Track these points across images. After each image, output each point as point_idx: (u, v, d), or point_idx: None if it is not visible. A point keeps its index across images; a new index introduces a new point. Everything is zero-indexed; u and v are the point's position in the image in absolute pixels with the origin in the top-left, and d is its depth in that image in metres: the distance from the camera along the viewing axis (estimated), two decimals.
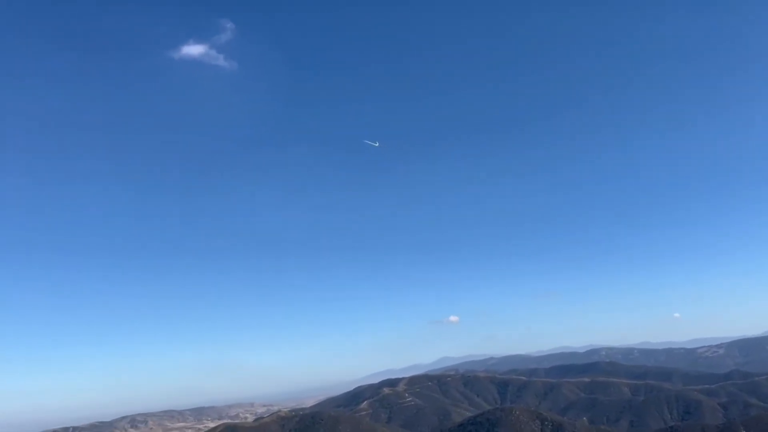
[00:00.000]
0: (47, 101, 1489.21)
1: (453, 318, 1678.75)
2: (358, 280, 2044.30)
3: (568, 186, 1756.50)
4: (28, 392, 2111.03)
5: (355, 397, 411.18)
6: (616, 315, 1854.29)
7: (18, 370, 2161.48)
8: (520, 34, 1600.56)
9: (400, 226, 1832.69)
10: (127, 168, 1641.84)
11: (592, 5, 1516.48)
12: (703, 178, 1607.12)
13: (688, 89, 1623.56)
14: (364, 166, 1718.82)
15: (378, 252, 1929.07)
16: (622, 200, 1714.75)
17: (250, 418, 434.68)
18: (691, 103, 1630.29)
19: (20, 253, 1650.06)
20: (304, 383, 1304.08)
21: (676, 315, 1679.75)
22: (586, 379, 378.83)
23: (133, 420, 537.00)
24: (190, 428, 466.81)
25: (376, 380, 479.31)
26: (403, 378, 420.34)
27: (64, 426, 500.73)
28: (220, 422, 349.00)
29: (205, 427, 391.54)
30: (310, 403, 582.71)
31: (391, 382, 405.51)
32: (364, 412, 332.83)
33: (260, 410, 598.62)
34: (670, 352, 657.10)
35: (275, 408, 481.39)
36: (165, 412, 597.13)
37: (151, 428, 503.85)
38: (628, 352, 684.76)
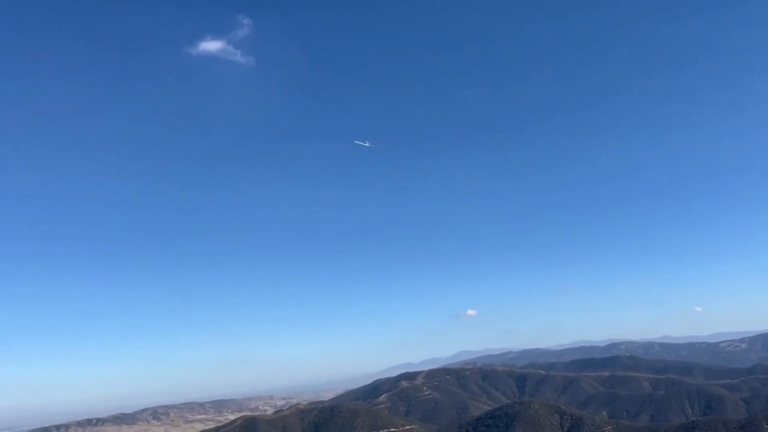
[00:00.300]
0: (66, 97, 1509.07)
1: (471, 312, 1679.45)
2: (377, 274, 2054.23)
3: (587, 181, 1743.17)
4: (54, 385, 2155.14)
5: (374, 390, 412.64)
6: (637, 309, 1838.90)
7: (44, 363, 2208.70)
8: (534, 36, 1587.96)
9: (419, 221, 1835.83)
10: (147, 163, 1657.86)
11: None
12: (726, 171, 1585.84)
13: (705, 82, 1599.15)
14: (382, 162, 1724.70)
15: (397, 246, 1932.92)
16: (643, 194, 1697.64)
17: (270, 411, 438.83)
18: (709, 97, 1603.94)
19: (45, 247, 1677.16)
20: (322, 376, 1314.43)
21: (698, 309, 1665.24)
22: (606, 374, 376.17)
23: (155, 412, 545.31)
24: (210, 420, 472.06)
25: (394, 374, 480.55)
26: (421, 371, 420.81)
27: (88, 417, 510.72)
28: (240, 414, 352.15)
29: (225, 419, 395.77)
30: (328, 396, 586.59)
31: (410, 376, 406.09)
32: (383, 405, 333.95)
33: (279, 403, 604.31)
34: (691, 346, 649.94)
35: (294, 401, 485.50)
36: (186, 404, 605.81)
37: (173, 420, 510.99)
38: (648, 346, 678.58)
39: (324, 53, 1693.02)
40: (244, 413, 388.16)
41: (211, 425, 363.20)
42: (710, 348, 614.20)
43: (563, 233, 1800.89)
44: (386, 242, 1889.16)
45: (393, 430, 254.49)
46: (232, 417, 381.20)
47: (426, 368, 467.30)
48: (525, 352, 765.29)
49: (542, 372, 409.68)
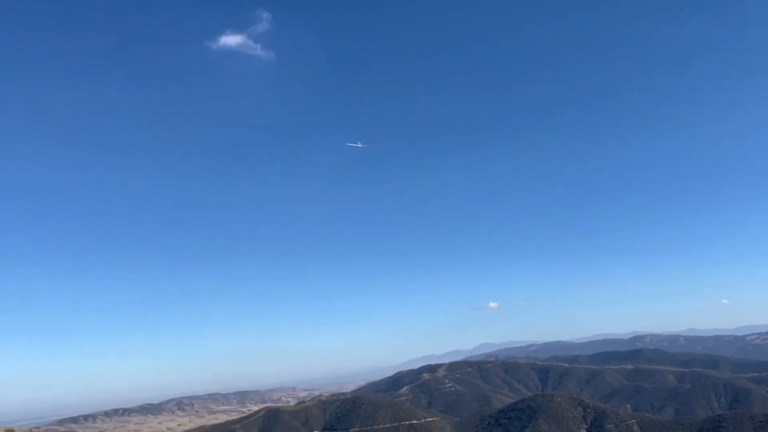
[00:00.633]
0: (87, 93, 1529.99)
1: (493, 304, 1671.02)
2: (399, 267, 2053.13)
3: (612, 174, 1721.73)
4: (81, 376, 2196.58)
5: (396, 382, 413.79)
6: (662, 302, 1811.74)
7: (74, 355, 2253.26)
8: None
9: (441, 215, 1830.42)
10: (167, 158, 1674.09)
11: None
12: (754, 163, 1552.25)
13: (734, 70, 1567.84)
14: (402, 156, 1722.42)
15: (419, 240, 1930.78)
16: (669, 186, 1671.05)
17: (292, 402, 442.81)
18: (731, 90, 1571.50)
19: (71, 241, 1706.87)
20: (344, 368, 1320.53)
21: (725, 301, 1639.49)
22: (630, 367, 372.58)
23: (180, 403, 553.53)
24: (234, 411, 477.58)
25: (416, 366, 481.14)
26: (443, 364, 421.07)
27: (115, 408, 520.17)
28: (263, 406, 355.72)
29: (249, 410, 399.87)
30: (350, 387, 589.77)
31: (431, 368, 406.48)
32: (404, 398, 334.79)
33: (302, 394, 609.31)
34: (717, 339, 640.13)
35: (316, 392, 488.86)
36: (210, 395, 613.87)
37: (197, 411, 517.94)
38: (673, 339, 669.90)
39: (343, 46, 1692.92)
40: (267, 404, 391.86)
41: (234, 416, 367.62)
42: (737, 341, 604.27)
43: (587, 226, 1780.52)
44: (409, 236, 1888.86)
45: (415, 422, 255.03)
46: (255, 408, 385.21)
47: (448, 361, 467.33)
48: (547, 345, 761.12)
49: (565, 365, 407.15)
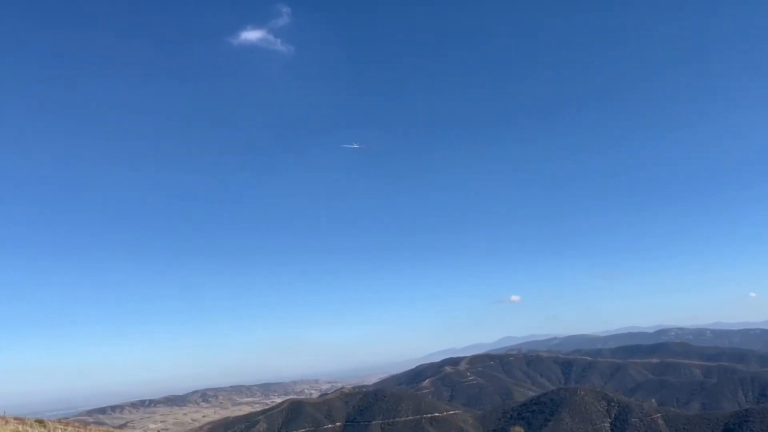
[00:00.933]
0: (109, 89, 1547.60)
1: (515, 298, 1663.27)
2: (421, 260, 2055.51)
3: (636, 165, 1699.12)
4: (109, 367, 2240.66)
5: (417, 375, 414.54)
6: (688, 294, 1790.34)
7: (100, 347, 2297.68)
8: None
9: (462, 207, 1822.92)
10: (195, 152, 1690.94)
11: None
12: None
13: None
14: (424, 150, 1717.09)
15: (441, 232, 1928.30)
16: (694, 177, 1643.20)
17: (315, 394, 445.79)
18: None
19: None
20: (367, 361, 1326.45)
21: (752, 294, 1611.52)
22: (655, 360, 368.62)
23: (204, 394, 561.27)
24: (257, 403, 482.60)
25: (437, 359, 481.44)
26: (464, 357, 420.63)
27: (142, 399, 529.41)
28: (286, 398, 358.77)
29: (272, 402, 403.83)
30: (372, 380, 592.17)
31: (453, 361, 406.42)
32: (426, 390, 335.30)
33: (324, 387, 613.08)
34: (745, 332, 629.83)
35: (339, 385, 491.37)
36: (234, 387, 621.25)
37: (221, 402, 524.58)
38: (699, 332, 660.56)
39: (364, 40, 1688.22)
40: (290, 396, 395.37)
41: (258, 408, 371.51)
42: (765, 334, 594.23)
43: (611, 218, 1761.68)
44: (430, 228, 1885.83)
45: (437, 414, 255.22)
46: (278, 400, 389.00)
47: (469, 354, 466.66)
48: (570, 338, 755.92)
49: (588, 358, 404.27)
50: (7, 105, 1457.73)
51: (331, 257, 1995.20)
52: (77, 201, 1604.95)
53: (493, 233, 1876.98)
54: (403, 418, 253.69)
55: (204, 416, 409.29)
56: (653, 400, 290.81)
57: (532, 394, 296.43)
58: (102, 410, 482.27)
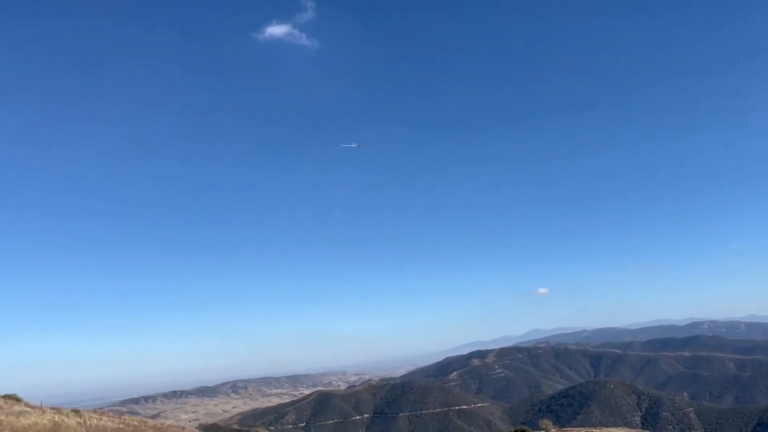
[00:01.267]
0: (138, 86, 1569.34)
1: (542, 290, 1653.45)
2: (448, 252, 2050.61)
3: (669, 159, 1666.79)
4: (140, 359, 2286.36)
5: (445, 367, 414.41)
6: (720, 287, 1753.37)
7: (134, 339, 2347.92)
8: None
9: (490, 200, 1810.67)
10: (225, 147, 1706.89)
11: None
12: None
13: None
14: (450, 143, 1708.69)
15: (468, 225, 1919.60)
16: (726, 170, 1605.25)
17: (343, 386, 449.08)
18: None
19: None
20: (394, 353, 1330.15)
21: None
22: (687, 354, 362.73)
23: (234, 385, 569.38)
24: (286, 394, 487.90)
25: (464, 351, 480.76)
26: (492, 349, 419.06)
27: (173, 390, 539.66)
28: (315, 389, 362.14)
29: (300, 393, 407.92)
30: (399, 372, 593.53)
31: (481, 354, 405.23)
32: (454, 383, 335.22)
33: (352, 379, 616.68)
34: None
35: (366, 377, 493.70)
36: (263, 378, 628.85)
37: (251, 393, 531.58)
38: (733, 325, 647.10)
39: (388, 34, 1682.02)
40: (318, 388, 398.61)
41: (286, 399, 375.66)
42: None
43: (641, 211, 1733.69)
44: (457, 221, 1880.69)
45: (464, 407, 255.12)
46: (306, 391, 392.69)
47: (497, 346, 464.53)
48: (599, 331, 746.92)
49: (618, 351, 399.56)
50: (35, 100, 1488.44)
51: (360, 251, 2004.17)
52: (113, 194, 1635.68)
53: (521, 226, 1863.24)
54: (430, 411, 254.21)
55: (234, 407, 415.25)
56: (685, 393, 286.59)
57: (560, 387, 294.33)
58: (135, 400, 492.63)
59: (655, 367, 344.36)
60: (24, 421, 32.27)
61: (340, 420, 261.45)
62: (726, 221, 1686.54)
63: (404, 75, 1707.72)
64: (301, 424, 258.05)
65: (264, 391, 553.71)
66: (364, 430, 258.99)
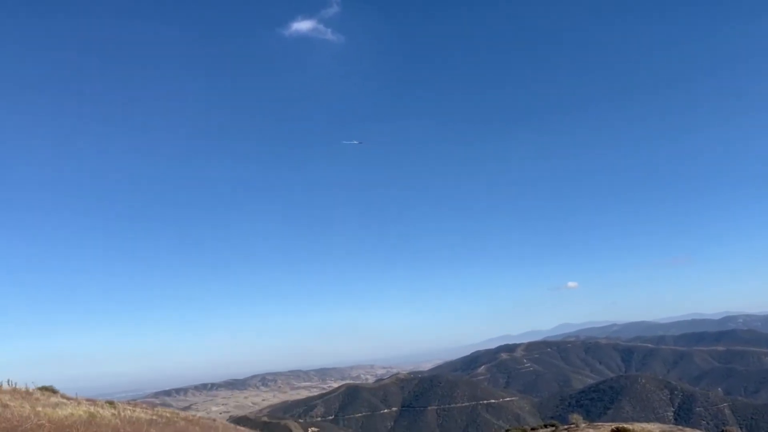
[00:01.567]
0: (165, 82, 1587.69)
1: (572, 284, 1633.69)
2: (477, 246, 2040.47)
3: (704, 152, 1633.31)
4: (172, 352, 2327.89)
5: (473, 361, 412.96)
6: (755, 280, 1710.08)
7: (166, 333, 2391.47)
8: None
9: (518, 193, 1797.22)
10: (252, 143, 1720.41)
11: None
12: None
13: None
14: (476, 139, 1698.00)
15: (496, 219, 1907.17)
16: (760, 161, 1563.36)
17: (371, 380, 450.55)
18: None
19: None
20: (422, 347, 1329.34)
21: None
22: (721, 348, 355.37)
23: (264, 378, 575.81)
24: (314, 387, 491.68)
25: (493, 345, 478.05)
26: (520, 344, 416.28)
27: (204, 382, 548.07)
28: (343, 383, 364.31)
29: (329, 386, 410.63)
30: (427, 366, 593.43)
31: (509, 348, 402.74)
32: (482, 377, 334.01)
33: (380, 372, 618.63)
34: None
35: (394, 370, 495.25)
36: (292, 371, 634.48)
37: (280, 386, 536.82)
38: None
39: (413, 27, 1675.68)
40: (347, 381, 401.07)
41: (315, 392, 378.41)
42: None
43: (675, 204, 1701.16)
44: (486, 215, 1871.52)
45: (493, 401, 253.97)
46: (335, 385, 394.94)
47: (525, 341, 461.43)
48: (630, 325, 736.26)
49: (650, 345, 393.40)
50: (57, 98, 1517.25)
51: (389, 245, 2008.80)
52: (137, 192, 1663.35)
53: (549, 219, 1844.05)
54: (458, 404, 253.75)
55: (263, 399, 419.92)
56: (719, 389, 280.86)
57: (590, 381, 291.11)
58: (167, 393, 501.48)
59: (689, 362, 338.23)
60: (60, 412, 32.99)
61: (369, 413, 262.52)
62: (760, 213, 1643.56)
63: (431, 67, 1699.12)
64: (330, 417, 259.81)
65: (293, 384, 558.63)
66: (392, 423, 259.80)
